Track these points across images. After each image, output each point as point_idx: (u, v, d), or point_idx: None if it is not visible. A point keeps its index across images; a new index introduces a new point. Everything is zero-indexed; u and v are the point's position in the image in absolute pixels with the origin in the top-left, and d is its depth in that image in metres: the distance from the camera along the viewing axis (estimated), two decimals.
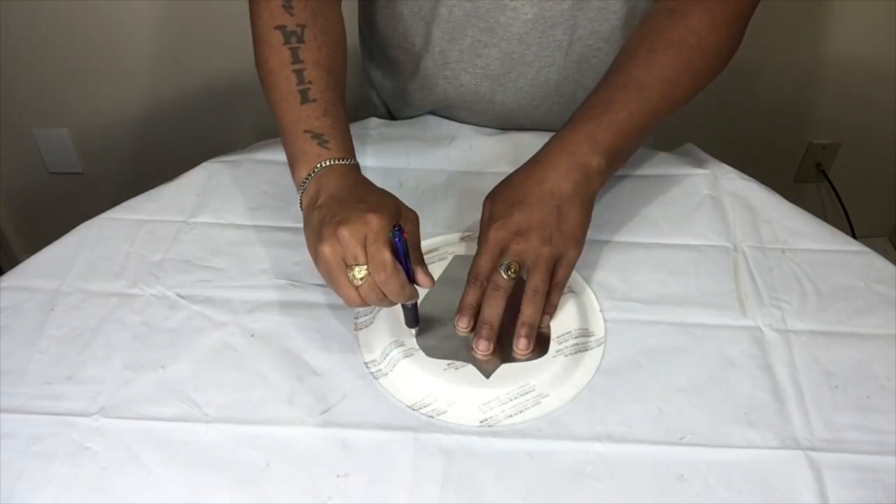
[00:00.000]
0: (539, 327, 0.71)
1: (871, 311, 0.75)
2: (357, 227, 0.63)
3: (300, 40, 0.75)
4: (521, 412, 0.67)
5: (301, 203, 0.71)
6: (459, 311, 0.71)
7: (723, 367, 0.70)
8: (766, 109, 1.69)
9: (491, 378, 0.68)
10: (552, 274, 0.71)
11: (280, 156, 0.89)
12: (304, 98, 0.73)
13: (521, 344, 0.70)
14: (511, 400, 0.67)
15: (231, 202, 0.84)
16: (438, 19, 0.87)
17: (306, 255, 0.78)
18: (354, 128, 0.92)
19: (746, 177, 0.88)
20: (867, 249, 0.81)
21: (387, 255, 0.63)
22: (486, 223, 0.72)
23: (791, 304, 0.75)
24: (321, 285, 0.76)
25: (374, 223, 0.63)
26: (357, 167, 0.72)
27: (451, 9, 0.85)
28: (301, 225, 0.81)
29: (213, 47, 1.56)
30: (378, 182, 0.85)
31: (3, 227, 1.80)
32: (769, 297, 0.76)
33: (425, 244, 0.80)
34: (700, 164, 0.90)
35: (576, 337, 0.72)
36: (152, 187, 0.86)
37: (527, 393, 0.68)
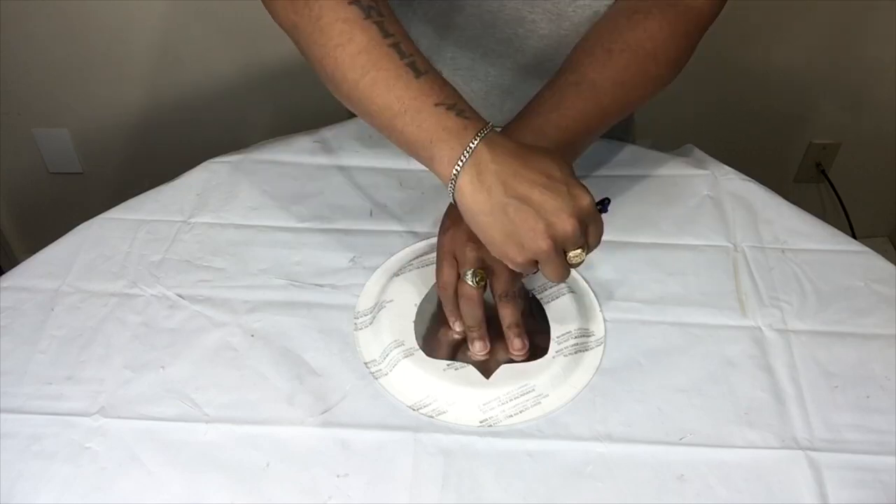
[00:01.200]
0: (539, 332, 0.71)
1: (871, 311, 0.75)
2: (573, 211, 0.60)
3: (380, 14, 0.65)
4: (521, 412, 0.67)
5: (454, 191, 0.61)
6: (448, 317, 0.72)
7: (723, 367, 0.70)
8: (766, 109, 1.69)
9: (491, 378, 0.68)
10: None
11: (280, 156, 0.89)
12: (417, 72, 0.63)
13: (515, 344, 0.70)
14: (511, 400, 0.68)
15: (231, 202, 0.84)
16: (452, 27, 0.86)
17: (306, 254, 0.79)
18: (355, 127, 0.92)
19: (746, 177, 0.88)
20: (867, 249, 0.81)
21: (603, 226, 0.63)
22: (439, 231, 0.71)
23: (791, 304, 0.75)
24: (321, 285, 0.76)
25: (585, 201, 0.61)
26: (495, 129, 0.64)
27: (469, 18, 0.84)
28: (301, 225, 0.82)
29: (214, 47, 1.56)
30: (378, 183, 0.86)
31: (3, 227, 1.80)
32: (769, 297, 0.76)
33: (425, 245, 0.80)
34: (700, 164, 0.90)
35: (576, 337, 0.72)
36: (152, 187, 0.86)
37: (527, 393, 0.68)
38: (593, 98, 0.73)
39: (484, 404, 0.67)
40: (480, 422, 0.66)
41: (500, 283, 0.69)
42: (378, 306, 0.74)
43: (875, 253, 0.81)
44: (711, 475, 0.63)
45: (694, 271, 0.78)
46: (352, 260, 0.78)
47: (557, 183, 0.60)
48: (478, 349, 0.70)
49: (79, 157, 1.71)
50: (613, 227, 0.82)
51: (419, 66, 0.63)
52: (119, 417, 0.66)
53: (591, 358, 0.71)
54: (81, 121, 1.65)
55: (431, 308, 0.74)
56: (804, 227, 0.83)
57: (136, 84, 1.60)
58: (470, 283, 0.68)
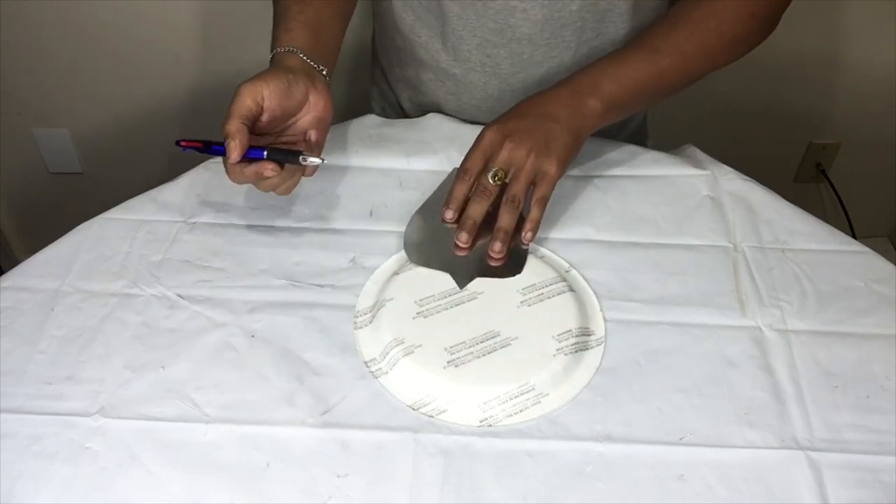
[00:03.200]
0: (521, 244, 0.76)
1: (871, 311, 0.75)
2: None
3: None
4: (520, 411, 0.67)
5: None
6: (447, 203, 0.76)
7: (723, 367, 0.70)
8: (766, 109, 1.69)
9: (490, 377, 0.69)
10: (535, 189, 0.76)
11: None
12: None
13: (495, 247, 0.74)
14: (511, 399, 0.68)
15: (231, 202, 0.84)
16: (450, 16, 0.87)
17: (306, 254, 0.79)
18: (353, 126, 0.92)
19: (746, 177, 0.88)
20: (867, 249, 0.81)
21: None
22: (486, 125, 0.78)
23: (791, 304, 0.75)
24: (321, 285, 0.76)
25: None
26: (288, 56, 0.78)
27: (464, 8, 0.86)
28: (301, 225, 0.82)
29: (214, 47, 1.56)
30: (378, 183, 0.86)
31: (3, 227, 1.80)
32: (769, 297, 0.76)
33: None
34: (700, 164, 0.90)
35: (576, 336, 0.72)
36: (152, 187, 0.86)
37: (527, 392, 0.68)
38: (651, 60, 0.81)
39: (483, 403, 0.67)
40: (480, 421, 0.67)
41: (516, 187, 0.75)
42: (378, 305, 0.74)
43: (875, 253, 0.81)
44: (711, 475, 0.63)
45: (694, 271, 0.78)
46: (352, 260, 0.78)
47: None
48: (463, 240, 0.74)
49: (79, 157, 1.71)
50: (613, 226, 0.82)
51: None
52: (119, 417, 0.66)
53: (592, 357, 0.71)
54: (81, 121, 1.65)
55: (427, 222, 0.79)
56: (804, 227, 0.83)
57: (136, 84, 1.60)
58: (490, 179, 0.75)
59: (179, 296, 0.75)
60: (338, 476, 0.63)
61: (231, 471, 0.63)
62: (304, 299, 0.75)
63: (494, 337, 0.71)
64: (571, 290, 0.75)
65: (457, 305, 0.74)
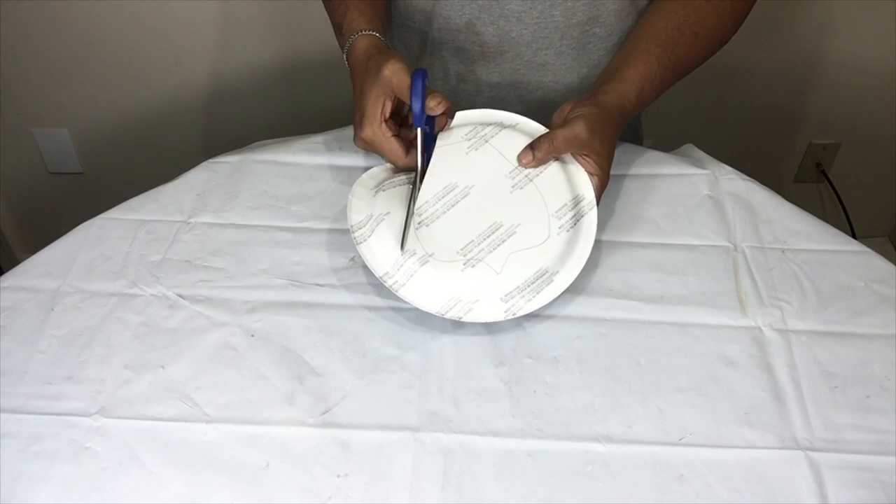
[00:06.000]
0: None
1: (871, 311, 0.75)
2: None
3: None
4: (538, 294, 0.71)
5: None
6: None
7: (723, 366, 0.70)
8: (766, 109, 1.69)
9: (505, 269, 0.72)
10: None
11: (280, 156, 0.89)
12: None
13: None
14: (528, 287, 0.71)
15: (231, 202, 0.84)
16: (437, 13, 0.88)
17: (306, 255, 0.79)
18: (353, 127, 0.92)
19: (746, 177, 0.88)
20: (867, 249, 0.81)
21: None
22: (588, 140, 0.77)
23: (791, 304, 0.75)
24: (321, 285, 0.76)
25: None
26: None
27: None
28: (301, 225, 0.82)
29: (213, 47, 1.56)
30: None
31: (3, 227, 1.80)
32: (769, 297, 0.76)
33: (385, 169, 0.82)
34: (700, 164, 0.90)
35: (572, 208, 0.75)
36: (152, 187, 0.86)
37: (540, 277, 0.71)
38: (660, 53, 0.83)
39: (505, 295, 0.70)
40: (505, 312, 0.70)
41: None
42: (376, 219, 0.75)
43: (875, 253, 0.81)
44: (711, 475, 0.63)
45: (694, 271, 0.78)
46: (352, 260, 0.78)
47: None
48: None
49: (79, 157, 1.71)
50: (613, 227, 0.82)
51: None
52: (119, 417, 0.66)
53: (588, 224, 0.75)
54: (81, 121, 1.65)
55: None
56: (804, 227, 0.83)
57: (136, 84, 1.60)
58: None
59: (179, 296, 0.75)
60: (338, 476, 0.63)
61: (231, 471, 0.63)
62: (304, 299, 0.75)
63: (499, 229, 0.74)
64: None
65: (453, 206, 0.75)
